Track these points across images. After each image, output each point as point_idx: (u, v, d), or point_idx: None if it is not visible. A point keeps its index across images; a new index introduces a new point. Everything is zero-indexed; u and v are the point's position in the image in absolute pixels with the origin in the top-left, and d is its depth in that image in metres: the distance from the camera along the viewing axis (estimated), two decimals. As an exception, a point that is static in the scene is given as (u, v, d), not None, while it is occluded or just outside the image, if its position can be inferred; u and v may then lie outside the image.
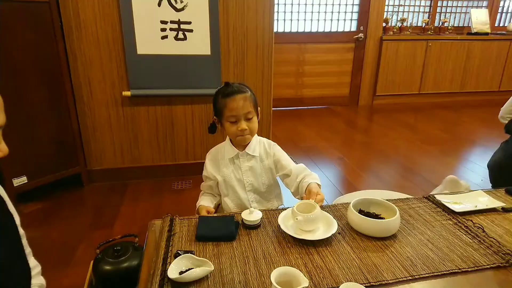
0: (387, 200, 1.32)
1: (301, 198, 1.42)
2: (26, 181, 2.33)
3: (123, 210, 2.37)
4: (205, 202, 1.47)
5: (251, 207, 1.46)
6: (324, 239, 1.13)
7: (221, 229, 1.20)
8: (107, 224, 2.21)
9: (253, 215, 1.24)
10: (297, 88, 4.98)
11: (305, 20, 4.82)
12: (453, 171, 3.13)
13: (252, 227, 1.24)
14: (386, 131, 4.10)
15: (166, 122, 2.69)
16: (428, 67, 5.16)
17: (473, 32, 5.26)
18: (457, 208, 1.35)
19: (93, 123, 2.59)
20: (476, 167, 3.17)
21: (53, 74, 2.34)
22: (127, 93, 2.50)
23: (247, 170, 1.48)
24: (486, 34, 5.27)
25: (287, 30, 4.80)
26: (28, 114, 2.27)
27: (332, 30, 4.89)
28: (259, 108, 1.47)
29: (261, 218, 1.26)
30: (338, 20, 4.89)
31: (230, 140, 1.49)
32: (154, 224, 1.33)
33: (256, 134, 1.50)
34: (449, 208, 1.34)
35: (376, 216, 1.26)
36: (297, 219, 1.16)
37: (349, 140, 3.97)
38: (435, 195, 1.46)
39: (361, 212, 1.28)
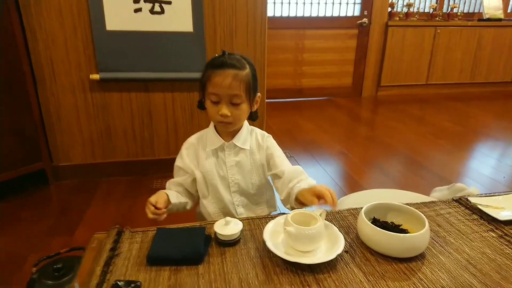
0: (407, 204, 1.00)
1: (292, 209, 1.08)
2: (-20, 178, 2.01)
3: (89, 213, 2.05)
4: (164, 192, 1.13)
5: (236, 212, 1.19)
6: (326, 262, 0.84)
7: (184, 248, 0.88)
8: (68, 230, 1.91)
9: (229, 228, 0.93)
10: (295, 78, 4.73)
11: (304, 3, 4.56)
12: (468, 165, 2.89)
13: (228, 244, 0.93)
14: (391, 124, 3.89)
15: (143, 111, 2.37)
16: (436, 56, 4.92)
17: (484, 18, 5.00)
18: (501, 215, 1.04)
19: (57, 111, 2.27)
20: (493, 162, 2.86)
21: (7, 53, 2.02)
22: (95, 76, 2.18)
23: (233, 166, 1.18)
24: (499, 20, 5.00)
25: (285, 14, 4.55)
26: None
27: (333, 15, 4.64)
28: (258, 94, 1.15)
29: (241, 231, 0.95)
30: (340, 3, 4.63)
31: (215, 126, 1.18)
32: (95, 239, 1.01)
33: (247, 123, 1.20)
34: (489, 215, 1.05)
35: (397, 228, 0.95)
36: (285, 229, 0.86)
37: (352, 133, 3.76)
38: (468, 198, 1.15)
39: (375, 222, 0.97)
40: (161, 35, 2.16)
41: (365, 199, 1.60)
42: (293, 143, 3.22)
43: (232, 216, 1.19)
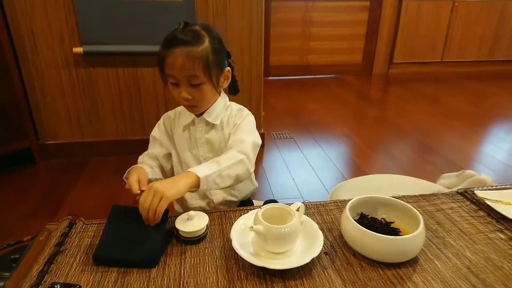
0: (404, 197, 0.88)
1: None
2: (-42, 157, 1.93)
3: (73, 194, 1.96)
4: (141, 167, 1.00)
5: (210, 193, 1.08)
6: (299, 267, 0.73)
7: (137, 248, 0.77)
8: (49, 212, 1.84)
9: (192, 223, 0.82)
10: (302, 54, 4.54)
11: (313, -27, 4.30)
12: (482, 150, 2.70)
13: (191, 242, 0.81)
14: (403, 104, 3.70)
15: (132, 88, 2.25)
16: (454, 31, 4.65)
17: (508, -11, 4.67)
18: (512, 213, 0.90)
19: (42, 87, 2.16)
20: (510, 147, 2.71)
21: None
22: (78, 49, 2.05)
23: (203, 143, 1.07)
24: (524, -9, 4.64)
25: (292, -15, 4.31)
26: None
27: (344, -15, 4.42)
28: (226, 69, 1.01)
29: (207, 226, 0.84)
30: (351, -26, 4.36)
31: None
32: (46, 231, 0.91)
33: (225, 97, 1.08)
34: (498, 213, 0.91)
35: (387, 227, 0.83)
36: (253, 228, 0.74)
37: (360, 114, 3.58)
38: (474, 190, 1.00)
39: (363, 218, 0.86)
40: (147, 3, 2.00)
41: (364, 185, 1.48)
42: (295, 123, 3.07)
43: (206, 197, 1.08)
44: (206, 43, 0.93)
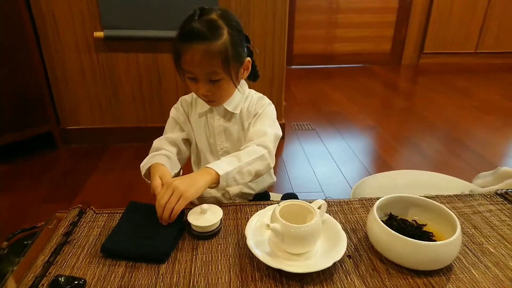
0: (436, 197, 0.84)
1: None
2: (-18, 140, 1.96)
3: (92, 179, 1.96)
4: (160, 161, 0.91)
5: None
6: (320, 271, 0.66)
7: (147, 242, 0.74)
8: (67, 196, 1.83)
9: (205, 217, 0.78)
10: (327, 42, 4.43)
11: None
12: None
13: (203, 237, 0.77)
14: (432, 96, 3.54)
15: (152, 74, 2.22)
16: (491, 20, 4.43)
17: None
18: None
19: (63, 71, 2.16)
20: None
21: (6, 6, 1.89)
22: (99, 33, 2.03)
23: (221, 132, 1.02)
24: None
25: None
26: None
27: (373, -31, 4.30)
28: (246, 59, 0.94)
29: (220, 220, 0.79)
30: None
31: None
32: (55, 219, 0.89)
33: (245, 86, 1.02)
34: None
35: (419, 230, 0.76)
36: (270, 226, 0.69)
37: (386, 105, 3.45)
38: None
39: (391, 219, 0.78)
40: (169, -13, 1.95)
41: (390, 182, 1.40)
42: (317, 114, 2.98)
43: (222, 189, 1.03)
44: (225, 35, 0.85)
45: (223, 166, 0.83)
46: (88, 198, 1.79)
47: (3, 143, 2.04)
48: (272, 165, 0.93)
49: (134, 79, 2.21)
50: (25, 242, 1.11)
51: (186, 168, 1.06)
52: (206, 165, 0.84)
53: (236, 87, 0.95)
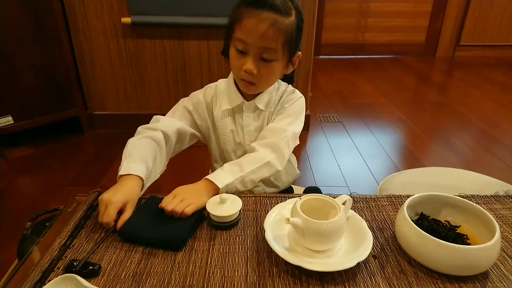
0: (472, 197, 0.80)
1: None
2: (12, 122, 2.04)
3: (116, 165, 1.95)
4: (135, 163, 0.85)
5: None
6: (342, 270, 0.63)
7: (164, 227, 0.72)
8: (92, 180, 1.88)
9: (224, 207, 0.74)
10: (358, 32, 4.35)
11: None
12: None
13: (222, 227, 0.75)
14: (468, 90, 3.41)
15: (177, 61, 2.21)
16: None
17: None
18: None
19: (91, 57, 2.19)
20: None
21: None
22: (127, 19, 2.04)
23: (251, 131, 0.94)
24: None
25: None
26: (5, 41, 1.89)
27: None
28: (298, 53, 0.89)
29: (240, 211, 0.76)
30: None
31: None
32: (75, 202, 0.88)
33: (280, 82, 0.96)
34: None
35: (452, 231, 0.71)
36: (290, 220, 0.65)
37: (418, 98, 3.33)
38: None
39: (422, 219, 0.73)
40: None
41: (419, 179, 1.33)
42: (344, 106, 2.92)
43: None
44: (293, 17, 0.81)
45: (224, 177, 0.80)
46: (112, 183, 1.81)
47: (34, 125, 2.10)
48: (281, 168, 0.88)
49: (160, 66, 2.22)
50: (47, 224, 1.13)
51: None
52: (206, 177, 0.80)
53: (282, 75, 0.90)
